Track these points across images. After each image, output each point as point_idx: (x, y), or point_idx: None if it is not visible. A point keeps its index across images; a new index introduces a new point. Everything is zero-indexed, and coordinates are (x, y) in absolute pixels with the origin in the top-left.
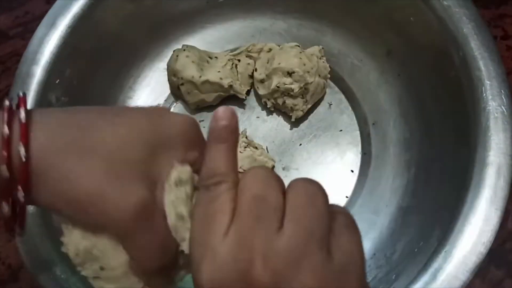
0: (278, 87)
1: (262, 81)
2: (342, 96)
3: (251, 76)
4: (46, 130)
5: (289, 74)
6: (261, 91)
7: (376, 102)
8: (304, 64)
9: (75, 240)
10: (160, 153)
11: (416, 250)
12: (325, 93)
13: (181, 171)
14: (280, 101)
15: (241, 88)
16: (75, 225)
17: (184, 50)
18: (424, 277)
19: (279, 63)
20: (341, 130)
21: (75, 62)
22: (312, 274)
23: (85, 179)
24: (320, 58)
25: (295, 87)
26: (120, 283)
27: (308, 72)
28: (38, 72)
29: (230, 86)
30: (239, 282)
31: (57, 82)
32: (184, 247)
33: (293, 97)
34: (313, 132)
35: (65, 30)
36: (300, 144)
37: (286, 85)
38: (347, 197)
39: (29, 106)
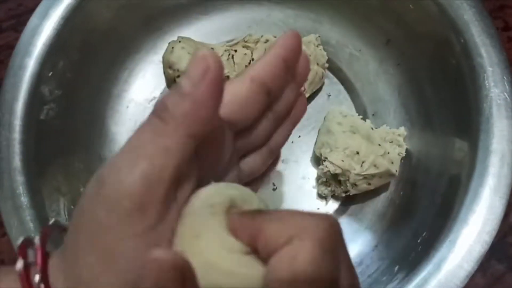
0: None
1: None
2: (341, 87)
3: None
4: None
5: None
6: None
7: (376, 92)
8: None
9: None
10: None
11: (419, 240)
12: (323, 83)
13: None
14: None
15: None
16: None
17: (180, 41)
18: (428, 267)
19: None
20: None
21: (68, 54)
22: None
23: None
24: (317, 46)
25: None
26: None
27: None
28: (31, 64)
29: (227, 77)
30: None
31: (50, 74)
32: None
33: None
34: (312, 123)
35: (58, 21)
36: (299, 136)
37: None
38: None
39: (21, 100)
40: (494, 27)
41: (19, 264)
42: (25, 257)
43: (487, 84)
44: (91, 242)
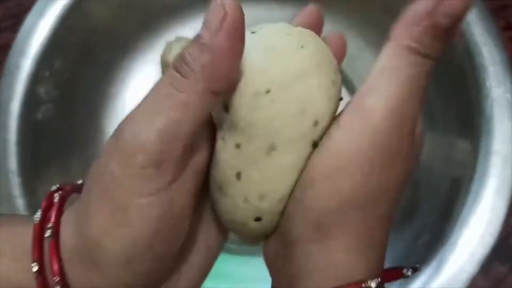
0: None
1: None
2: (342, 87)
3: None
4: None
5: None
6: None
7: None
8: None
9: None
10: None
11: (420, 242)
12: None
13: None
14: None
15: None
16: None
17: (178, 41)
18: (429, 270)
19: None
20: None
21: (65, 54)
22: None
23: None
24: None
25: None
26: None
27: None
28: (27, 64)
29: None
30: None
31: (46, 75)
32: None
33: None
34: None
35: (55, 20)
36: None
37: None
38: None
39: (17, 101)
40: (496, 27)
41: (37, 214)
42: (48, 209)
43: (488, 84)
44: (102, 196)
